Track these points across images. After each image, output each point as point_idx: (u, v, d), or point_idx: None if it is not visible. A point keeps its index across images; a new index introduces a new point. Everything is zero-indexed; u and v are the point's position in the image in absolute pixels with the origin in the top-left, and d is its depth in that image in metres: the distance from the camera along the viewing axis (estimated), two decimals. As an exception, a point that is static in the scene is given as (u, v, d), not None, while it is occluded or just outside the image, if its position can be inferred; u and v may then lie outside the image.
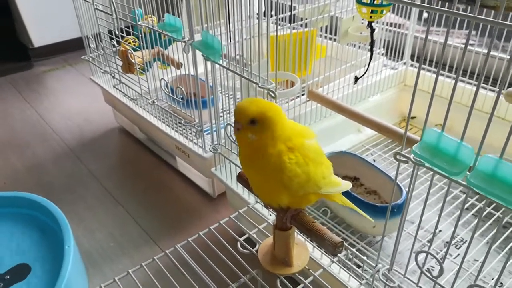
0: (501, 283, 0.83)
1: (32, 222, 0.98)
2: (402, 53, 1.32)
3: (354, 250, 0.78)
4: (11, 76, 1.92)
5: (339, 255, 0.68)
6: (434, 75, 1.25)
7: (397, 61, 1.32)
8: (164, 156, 1.31)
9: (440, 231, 0.95)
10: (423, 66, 1.30)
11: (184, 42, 0.87)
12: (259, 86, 0.68)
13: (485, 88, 1.17)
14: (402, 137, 0.78)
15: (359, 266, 0.69)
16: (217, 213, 1.10)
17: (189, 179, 1.22)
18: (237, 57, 0.73)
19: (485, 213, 0.95)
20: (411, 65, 1.34)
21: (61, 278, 0.80)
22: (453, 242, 0.92)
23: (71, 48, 2.03)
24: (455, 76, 1.22)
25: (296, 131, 0.53)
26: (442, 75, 1.24)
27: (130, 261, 0.97)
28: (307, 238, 0.72)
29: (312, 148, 0.53)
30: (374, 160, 1.17)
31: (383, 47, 1.28)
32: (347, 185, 0.59)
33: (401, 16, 1.31)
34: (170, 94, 1.00)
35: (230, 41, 0.78)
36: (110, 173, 1.27)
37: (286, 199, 0.54)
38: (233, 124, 0.53)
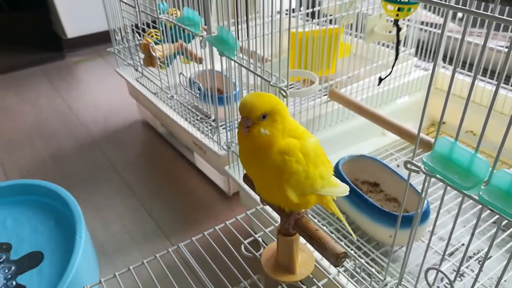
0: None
1: (49, 211, 1.00)
2: (434, 54, 1.25)
3: (367, 260, 0.74)
4: (44, 66, 1.98)
5: (347, 265, 0.65)
6: (465, 78, 1.19)
7: (428, 62, 1.26)
8: (183, 151, 1.30)
9: (462, 244, 0.89)
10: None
11: (202, 36, 0.85)
12: (270, 84, 0.65)
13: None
14: (427, 143, 0.73)
15: (371, 276, 0.66)
16: (232, 211, 1.09)
17: (206, 176, 1.21)
18: (252, 53, 0.71)
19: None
20: (443, 67, 1.27)
21: (70, 269, 0.80)
22: (476, 257, 0.86)
23: (102, 40, 2.06)
24: (487, 80, 1.15)
25: (298, 130, 0.52)
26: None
27: (140, 253, 0.97)
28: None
29: (312, 147, 0.52)
30: (397, 166, 1.12)
31: (415, 47, 1.22)
32: (345, 189, 0.56)
33: (433, 12, 1.24)
34: (188, 89, 0.99)
35: (248, 36, 0.75)
36: (130, 166, 1.28)
37: (287, 198, 0.52)
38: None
